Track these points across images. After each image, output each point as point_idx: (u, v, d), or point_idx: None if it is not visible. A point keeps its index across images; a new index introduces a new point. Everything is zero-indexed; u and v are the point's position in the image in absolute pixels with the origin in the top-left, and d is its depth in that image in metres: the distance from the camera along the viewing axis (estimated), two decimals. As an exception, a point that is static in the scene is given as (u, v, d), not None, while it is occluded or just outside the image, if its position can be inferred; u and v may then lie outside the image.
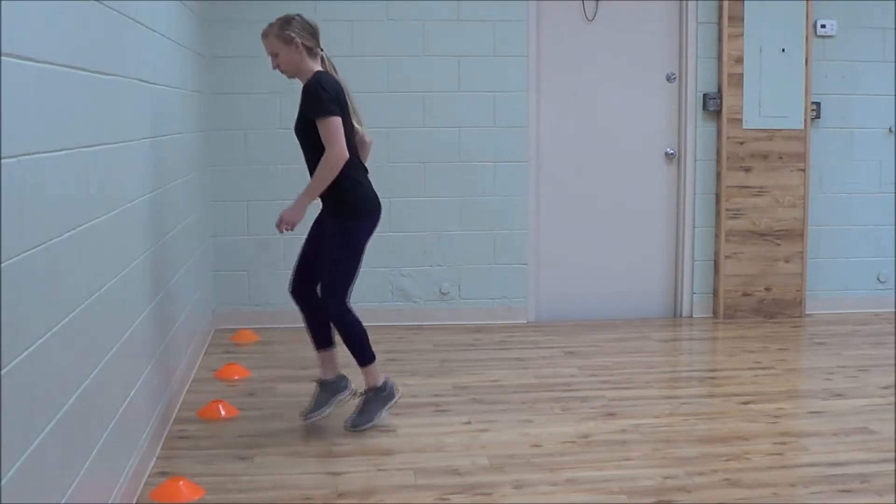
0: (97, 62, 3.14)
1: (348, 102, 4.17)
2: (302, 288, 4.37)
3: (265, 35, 4.17)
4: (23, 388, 2.31)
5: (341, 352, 4.40)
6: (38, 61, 2.48)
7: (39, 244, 2.47)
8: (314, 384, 4.43)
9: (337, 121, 4.01)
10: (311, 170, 4.15)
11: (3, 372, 2.18)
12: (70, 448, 2.73)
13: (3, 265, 2.19)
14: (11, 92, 2.25)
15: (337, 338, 4.36)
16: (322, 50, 4.21)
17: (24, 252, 2.35)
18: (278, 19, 4.16)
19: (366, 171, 4.29)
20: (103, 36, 3.27)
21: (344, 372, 4.44)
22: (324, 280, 4.22)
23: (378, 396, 4.31)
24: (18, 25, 2.32)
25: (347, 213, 4.17)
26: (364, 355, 4.29)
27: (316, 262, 4.30)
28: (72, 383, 2.78)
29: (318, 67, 4.16)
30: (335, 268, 4.17)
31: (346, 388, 4.42)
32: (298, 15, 4.17)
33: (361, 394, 4.35)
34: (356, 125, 4.23)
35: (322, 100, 4.02)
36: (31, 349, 2.38)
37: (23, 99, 2.35)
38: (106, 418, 3.19)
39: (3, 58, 2.20)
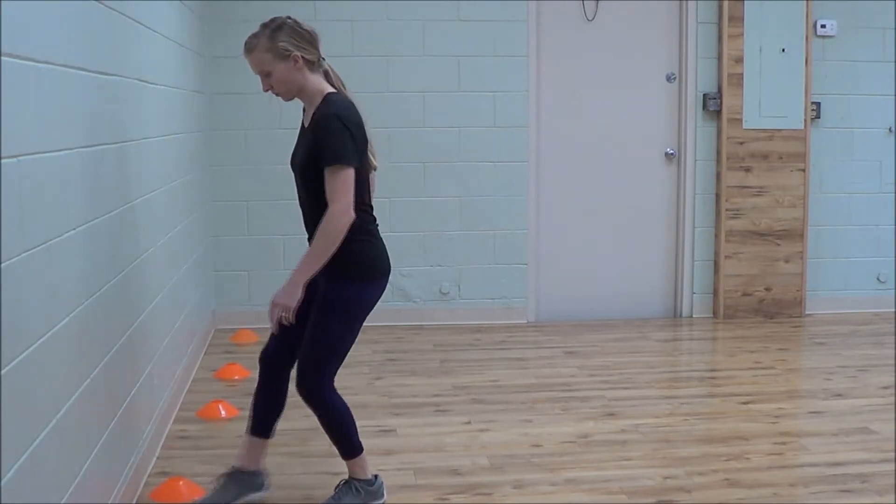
0: (97, 62, 3.14)
1: (366, 134, 3.29)
2: (278, 358, 3.46)
3: (250, 49, 3.27)
4: (23, 388, 2.31)
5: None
6: (38, 61, 2.48)
7: (39, 244, 2.47)
8: (228, 471, 3.49)
9: (350, 174, 3.12)
10: (310, 216, 3.30)
11: (3, 372, 2.18)
12: (70, 448, 2.73)
13: (3, 265, 2.19)
14: (11, 92, 2.25)
15: (280, 425, 3.59)
16: (324, 59, 3.33)
17: (24, 252, 2.35)
18: (264, 26, 3.24)
19: (375, 222, 3.39)
20: (103, 36, 3.27)
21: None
22: (306, 355, 3.28)
23: (363, 489, 3.43)
24: (18, 25, 2.32)
25: (354, 272, 3.25)
26: (351, 447, 3.43)
27: (299, 336, 3.32)
28: (72, 383, 2.78)
29: (326, 86, 3.29)
30: (326, 342, 3.26)
31: (262, 486, 3.50)
32: (290, 18, 3.25)
33: (345, 481, 3.47)
34: (372, 160, 3.35)
35: (343, 144, 3.12)
36: (31, 349, 2.38)
37: (23, 99, 2.35)
38: (106, 418, 3.19)
39: (3, 58, 2.20)
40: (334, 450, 4.04)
